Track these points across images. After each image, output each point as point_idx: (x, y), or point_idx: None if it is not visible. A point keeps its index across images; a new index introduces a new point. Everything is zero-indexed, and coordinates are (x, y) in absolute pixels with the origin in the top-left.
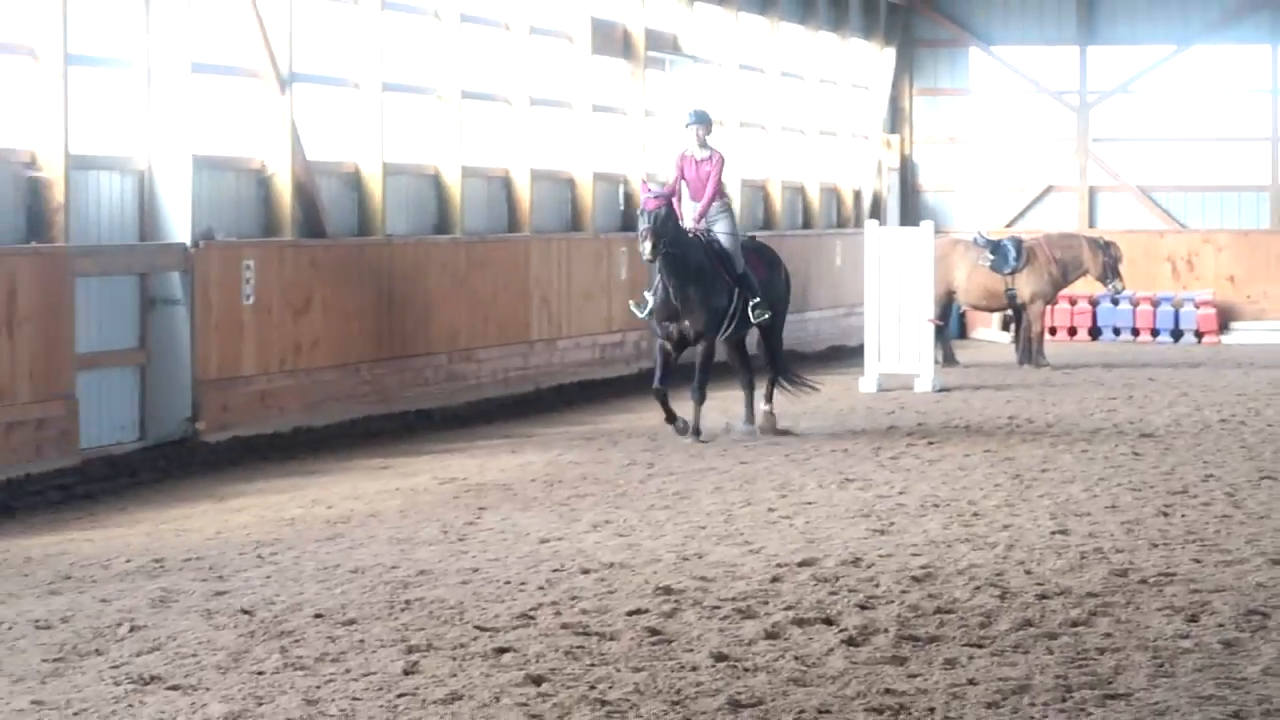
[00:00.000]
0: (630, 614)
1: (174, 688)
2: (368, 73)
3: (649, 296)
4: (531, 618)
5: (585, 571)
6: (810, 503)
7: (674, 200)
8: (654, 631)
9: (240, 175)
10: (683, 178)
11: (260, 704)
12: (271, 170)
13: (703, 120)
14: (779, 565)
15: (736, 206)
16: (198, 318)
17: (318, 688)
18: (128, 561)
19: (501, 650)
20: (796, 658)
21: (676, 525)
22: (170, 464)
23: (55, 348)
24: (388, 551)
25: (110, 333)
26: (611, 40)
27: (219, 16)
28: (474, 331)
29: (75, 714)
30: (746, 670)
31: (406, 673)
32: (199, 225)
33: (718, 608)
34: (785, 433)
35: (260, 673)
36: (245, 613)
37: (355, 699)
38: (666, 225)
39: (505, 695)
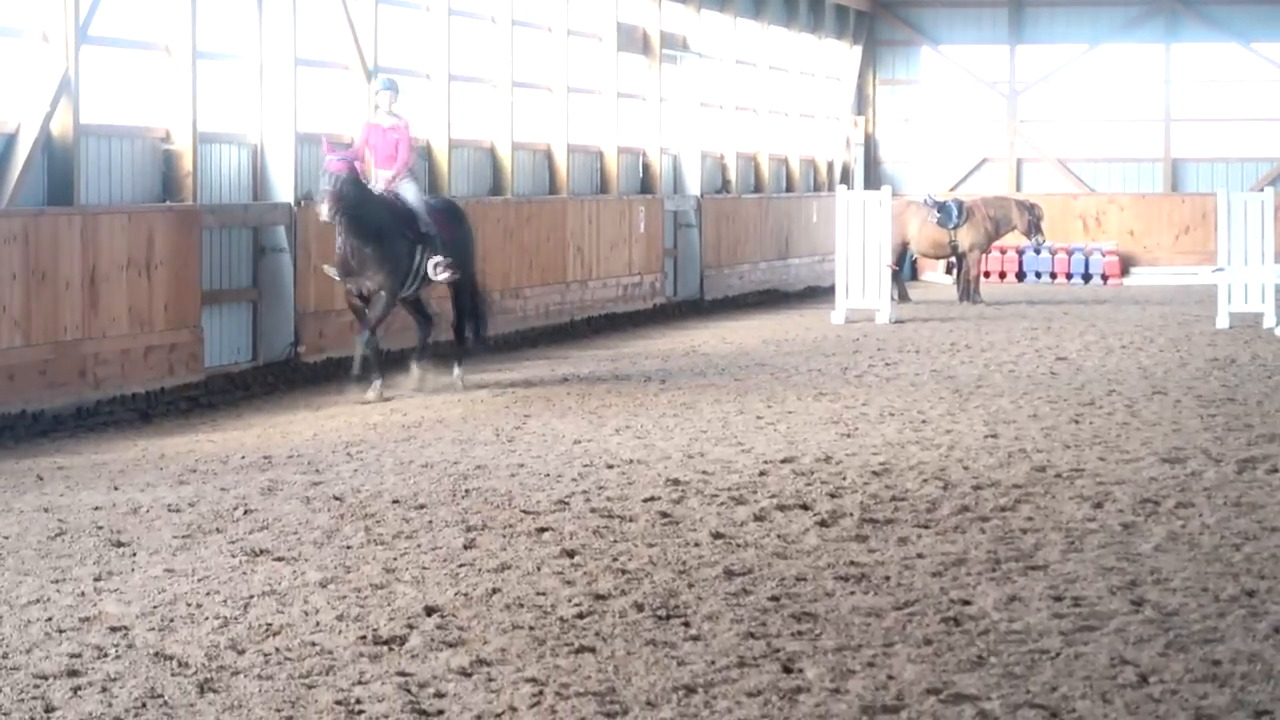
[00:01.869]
0: (646, 500)
1: (279, 559)
2: (437, 66)
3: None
4: (566, 503)
5: (610, 466)
6: (791, 411)
7: (358, 163)
8: (665, 515)
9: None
10: (368, 144)
11: (349, 572)
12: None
13: (392, 88)
14: (766, 462)
15: (695, 170)
16: (299, 263)
17: (395, 559)
18: (242, 458)
19: (542, 529)
20: (779, 536)
21: (683, 429)
22: (277, 380)
23: (184, 286)
24: (451, 450)
25: (229, 274)
26: (633, 40)
27: (318, 19)
28: (521, 274)
29: (200, 580)
30: (739, 546)
31: (466, 547)
32: (301, 189)
33: (716, 496)
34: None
35: (348, 547)
36: (336, 499)
37: (425, 568)
38: (348, 187)
39: (545, 565)
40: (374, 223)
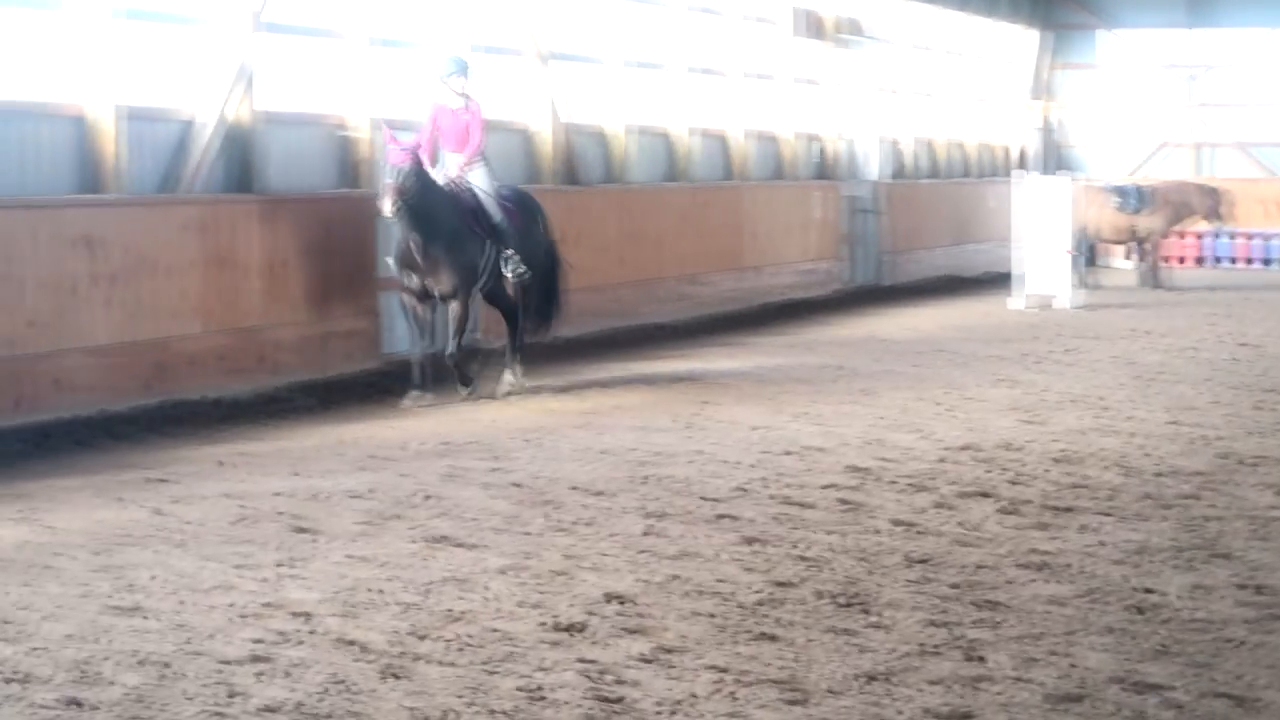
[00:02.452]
0: (825, 487)
1: (460, 545)
2: (613, 51)
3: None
4: (746, 490)
5: (789, 453)
6: (970, 398)
7: (421, 151)
8: (845, 501)
9: (510, 134)
10: (436, 126)
11: (529, 558)
12: (535, 130)
13: (462, 69)
14: (945, 449)
15: (873, 155)
16: None
17: (575, 546)
18: (422, 444)
19: (722, 516)
20: (960, 523)
21: (862, 416)
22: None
23: (362, 273)
24: (630, 436)
25: None
26: (810, 24)
27: (494, 5)
28: (699, 260)
29: (380, 566)
30: (920, 533)
31: (645, 534)
32: None
33: (896, 482)
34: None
35: (528, 533)
36: (516, 485)
37: (605, 555)
38: (410, 181)
39: (725, 552)
40: (442, 217)
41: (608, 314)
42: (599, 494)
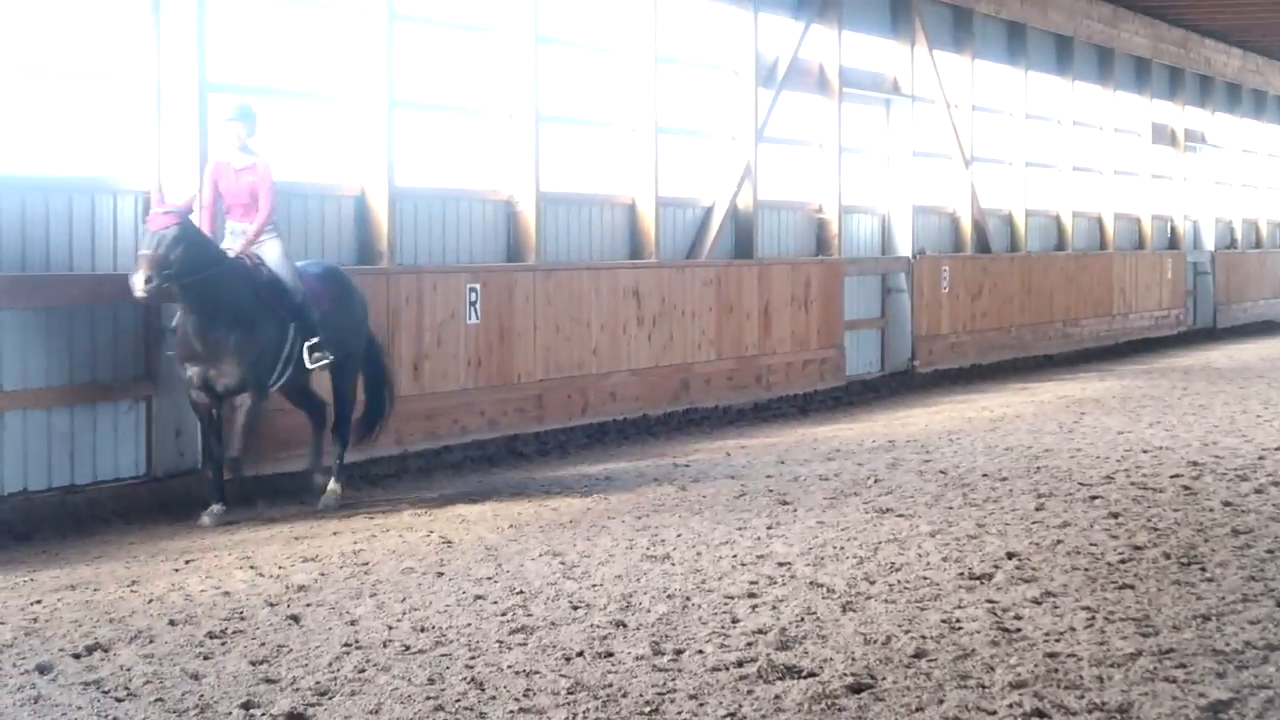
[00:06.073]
0: (1172, 477)
1: (900, 516)
2: (1017, 155)
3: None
4: (1111, 479)
5: (1144, 451)
6: None
7: (195, 217)
8: (1186, 488)
9: (940, 216)
10: (217, 189)
11: (950, 526)
12: (959, 214)
13: (245, 117)
14: (1264, 449)
15: (1210, 231)
16: (915, 300)
17: (984, 518)
18: (873, 443)
19: (1093, 497)
20: (1274, 504)
21: (1200, 424)
22: (898, 386)
23: (831, 316)
24: (1025, 438)
25: (863, 308)
26: (1163, 135)
27: (928, 121)
28: (1078, 308)
29: (842, 530)
30: (1243, 511)
31: (1037, 509)
32: (916, 246)
33: (1225, 474)
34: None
35: (950, 507)
36: (941, 472)
37: (1006, 524)
38: (174, 250)
39: (1095, 524)
40: (227, 295)
41: (1010, 347)
42: (1002, 479)
